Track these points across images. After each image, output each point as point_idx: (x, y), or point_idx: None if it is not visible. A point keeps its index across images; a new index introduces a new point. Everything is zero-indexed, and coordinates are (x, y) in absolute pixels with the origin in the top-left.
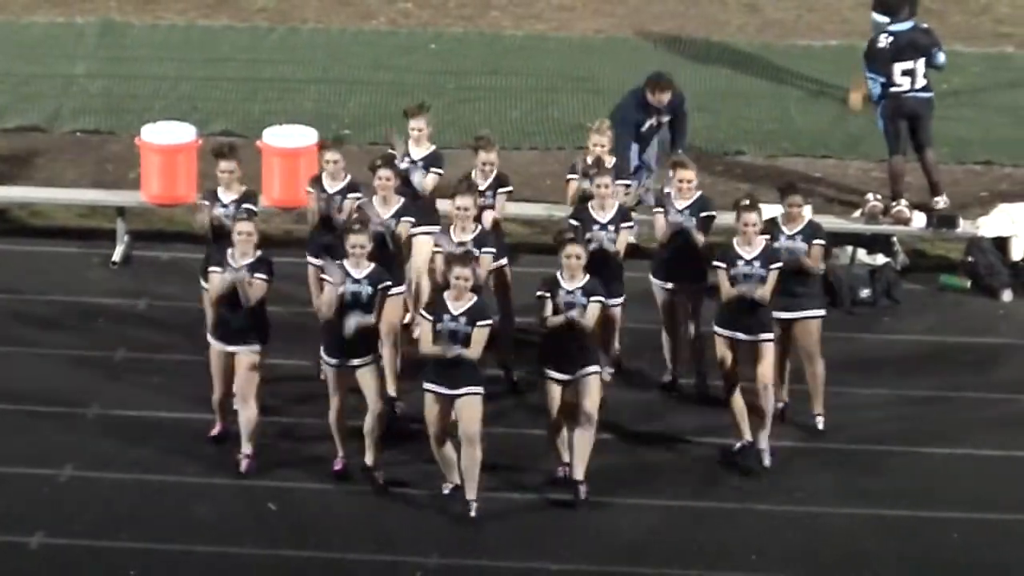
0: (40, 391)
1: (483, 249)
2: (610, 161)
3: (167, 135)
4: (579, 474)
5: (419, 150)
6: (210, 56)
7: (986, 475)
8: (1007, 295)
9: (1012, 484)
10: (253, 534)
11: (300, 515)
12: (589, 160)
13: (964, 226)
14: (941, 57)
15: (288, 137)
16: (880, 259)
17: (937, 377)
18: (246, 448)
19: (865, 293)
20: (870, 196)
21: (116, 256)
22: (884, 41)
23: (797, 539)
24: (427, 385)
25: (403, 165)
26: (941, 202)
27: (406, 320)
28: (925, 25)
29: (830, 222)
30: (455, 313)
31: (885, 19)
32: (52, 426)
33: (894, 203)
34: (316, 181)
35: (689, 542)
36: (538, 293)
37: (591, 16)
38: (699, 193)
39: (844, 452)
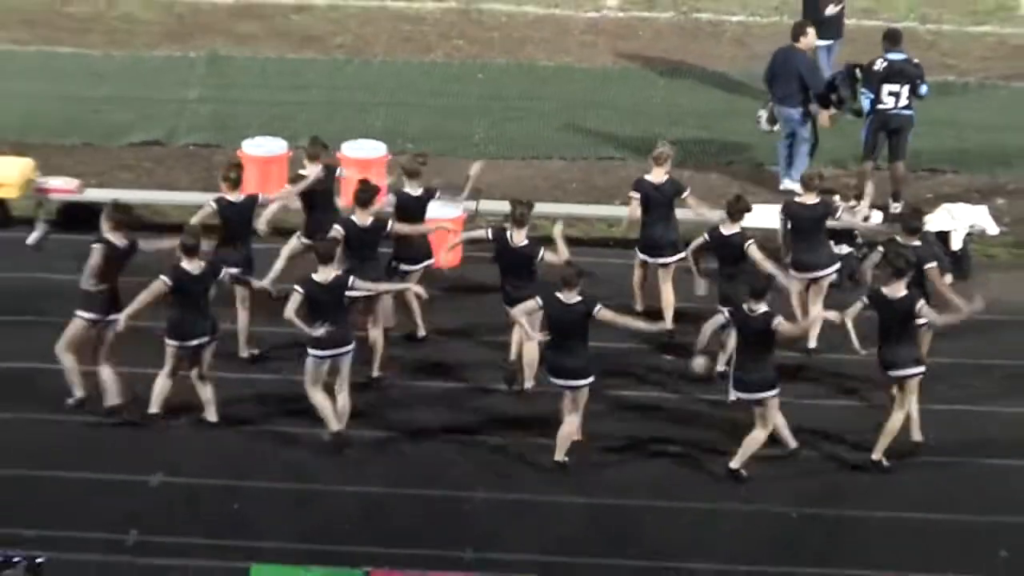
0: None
1: None
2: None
3: (263, 148)
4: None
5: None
6: (298, 83)
7: (935, 426)
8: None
9: (952, 431)
10: (334, 474)
11: (376, 458)
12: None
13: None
14: (924, 89)
15: (362, 150)
16: (844, 249)
17: None
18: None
19: (832, 278)
20: (836, 197)
21: None
22: (879, 64)
23: (781, 473)
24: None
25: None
26: (899, 208)
27: None
28: (916, 60)
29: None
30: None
31: (824, 41)
32: (177, 385)
33: (856, 203)
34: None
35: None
36: None
37: (609, 51)
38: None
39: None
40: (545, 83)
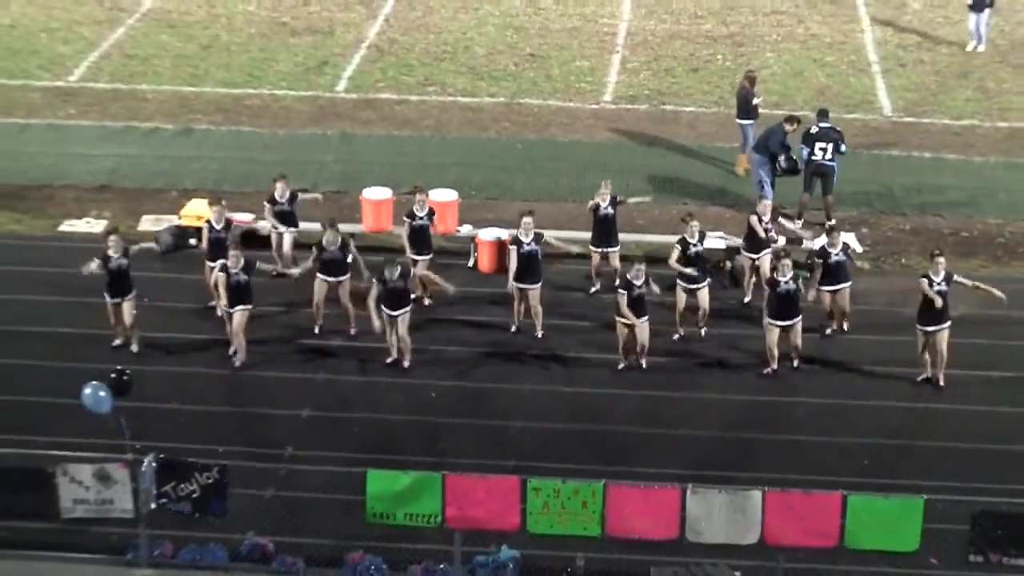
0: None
1: None
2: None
3: (376, 194)
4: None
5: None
6: (399, 152)
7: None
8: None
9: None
10: (425, 409)
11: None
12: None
13: (809, 244)
14: (843, 147)
15: (442, 194)
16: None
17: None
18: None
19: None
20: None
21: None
22: (814, 130)
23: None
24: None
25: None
26: (833, 223)
27: None
28: (838, 128)
29: (734, 241)
30: None
31: (748, 121)
32: (315, 347)
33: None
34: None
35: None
36: None
37: (605, 129)
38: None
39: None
40: (562, 152)
